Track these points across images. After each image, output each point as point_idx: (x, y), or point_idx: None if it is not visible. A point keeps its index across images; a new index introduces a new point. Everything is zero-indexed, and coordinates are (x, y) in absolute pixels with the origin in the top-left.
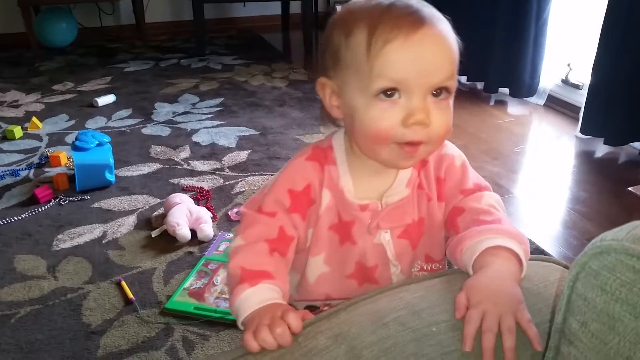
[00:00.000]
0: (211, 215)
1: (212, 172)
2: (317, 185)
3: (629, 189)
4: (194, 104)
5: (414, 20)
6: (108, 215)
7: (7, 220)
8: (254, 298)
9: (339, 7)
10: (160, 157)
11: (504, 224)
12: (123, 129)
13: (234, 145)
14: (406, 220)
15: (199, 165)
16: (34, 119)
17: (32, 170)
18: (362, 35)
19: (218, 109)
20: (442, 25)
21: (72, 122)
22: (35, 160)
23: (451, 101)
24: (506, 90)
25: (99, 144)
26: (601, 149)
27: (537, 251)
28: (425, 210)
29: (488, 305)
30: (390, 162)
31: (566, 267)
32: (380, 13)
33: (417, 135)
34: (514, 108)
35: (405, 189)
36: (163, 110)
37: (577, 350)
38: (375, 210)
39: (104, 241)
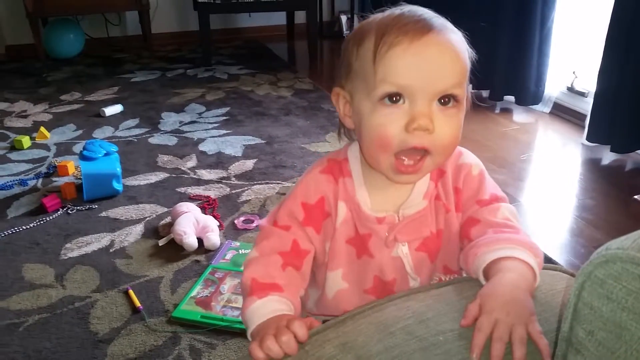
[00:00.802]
0: (218, 224)
1: (219, 180)
2: (331, 198)
3: (635, 197)
4: (200, 114)
5: (421, 27)
6: (115, 224)
7: (15, 230)
8: (262, 310)
9: (343, 17)
10: (167, 166)
11: (520, 233)
12: (130, 139)
13: (240, 154)
14: (424, 233)
15: (205, 174)
16: (42, 129)
17: (40, 180)
18: (371, 43)
19: (224, 118)
20: (452, 34)
21: (80, 131)
22: (43, 169)
23: (461, 111)
24: (512, 98)
25: (107, 154)
26: (607, 157)
27: (544, 259)
28: (443, 222)
29: (501, 314)
30: (389, 174)
31: (573, 275)
32: (389, 21)
33: (421, 141)
34: (520, 116)
35: (422, 201)
36: (170, 120)
37: (584, 358)
38: (392, 223)
39: (111, 250)
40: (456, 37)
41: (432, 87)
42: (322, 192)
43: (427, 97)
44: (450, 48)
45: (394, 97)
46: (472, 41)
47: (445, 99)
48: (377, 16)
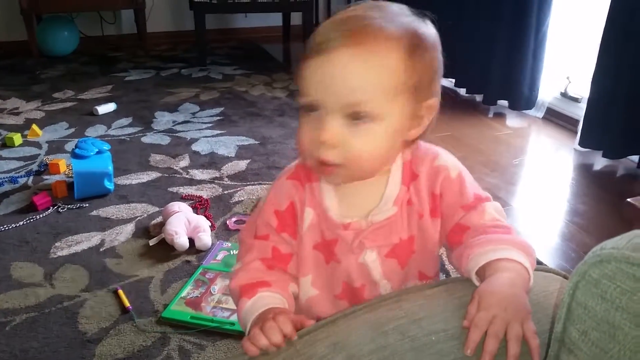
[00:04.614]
0: (209, 224)
1: (211, 181)
2: (298, 203)
3: (628, 200)
4: (194, 113)
5: (339, 38)
6: (106, 224)
7: (4, 227)
8: (254, 307)
9: None
10: (160, 166)
11: (512, 233)
12: (123, 138)
13: (233, 155)
14: (393, 240)
15: (198, 174)
16: (34, 126)
17: (31, 178)
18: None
19: (218, 118)
20: (386, 43)
21: (72, 130)
22: (34, 167)
23: (381, 126)
24: (505, 103)
25: (99, 152)
26: (599, 162)
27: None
28: (416, 227)
29: (498, 310)
30: (318, 175)
31: (566, 277)
32: (320, 29)
33: (327, 156)
34: (513, 120)
35: (392, 207)
36: (163, 119)
37: (577, 359)
38: (359, 229)
39: (101, 249)
40: (387, 46)
41: (337, 101)
42: (291, 197)
43: (334, 111)
44: (367, 61)
45: (310, 108)
46: (467, 45)
47: (355, 115)
48: (335, 15)
